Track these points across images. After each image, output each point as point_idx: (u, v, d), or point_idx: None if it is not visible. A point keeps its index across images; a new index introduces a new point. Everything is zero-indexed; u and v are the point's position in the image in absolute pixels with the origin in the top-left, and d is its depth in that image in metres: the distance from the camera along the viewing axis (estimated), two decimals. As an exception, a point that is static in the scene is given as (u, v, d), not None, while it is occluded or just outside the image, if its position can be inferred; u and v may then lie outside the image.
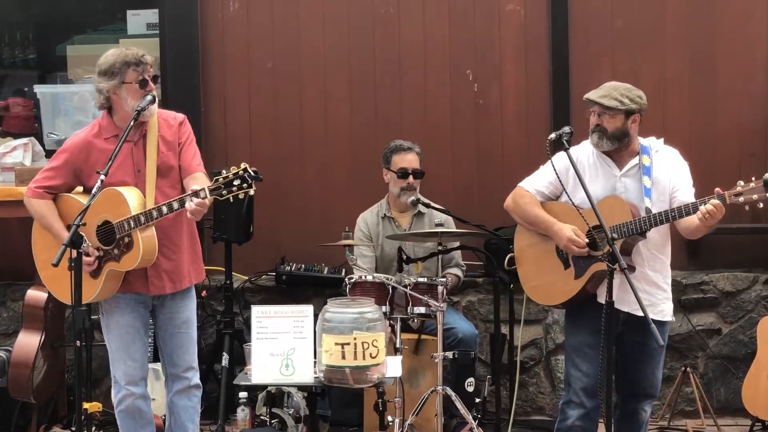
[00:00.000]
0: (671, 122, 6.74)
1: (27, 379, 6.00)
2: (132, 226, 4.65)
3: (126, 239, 4.70)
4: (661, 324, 4.72)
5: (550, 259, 4.89)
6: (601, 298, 4.72)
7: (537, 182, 4.98)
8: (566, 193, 4.70)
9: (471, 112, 6.86)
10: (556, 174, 4.68)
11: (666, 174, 4.80)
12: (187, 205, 4.52)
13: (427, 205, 6.11)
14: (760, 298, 6.62)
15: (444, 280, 5.41)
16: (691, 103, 6.79)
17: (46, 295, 6.04)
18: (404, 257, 5.73)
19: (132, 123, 4.70)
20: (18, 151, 6.80)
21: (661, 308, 4.83)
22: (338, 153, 6.92)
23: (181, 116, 5.00)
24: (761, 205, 4.41)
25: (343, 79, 6.91)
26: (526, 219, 4.98)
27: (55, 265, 4.31)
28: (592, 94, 4.81)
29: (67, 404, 6.33)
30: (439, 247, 5.50)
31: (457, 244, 5.98)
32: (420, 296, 5.38)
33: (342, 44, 6.90)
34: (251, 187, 4.45)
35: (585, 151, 4.88)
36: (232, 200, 4.50)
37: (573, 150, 4.79)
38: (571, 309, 4.95)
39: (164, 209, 4.62)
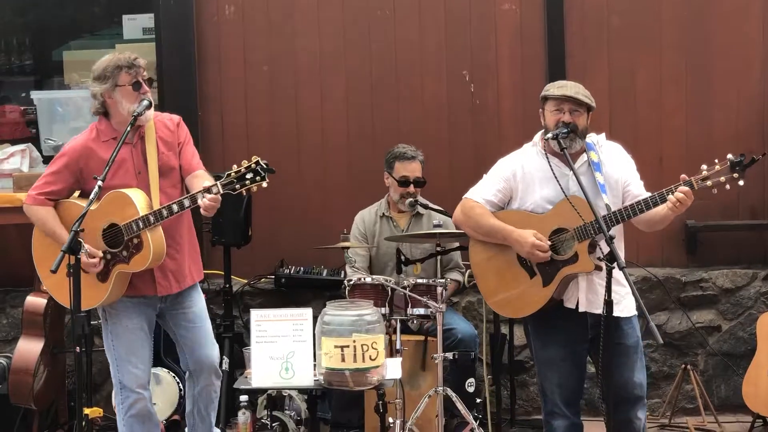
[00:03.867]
0: (668, 122, 6.75)
1: (28, 385, 5.98)
2: (141, 226, 4.66)
3: (135, 240, 4.71)
4: (628, 320, 4.64)
5: (513, 270, 4.74)
6: (569, 303, 4.67)
7: (485, 191, 4.86)
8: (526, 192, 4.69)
9: (468, 112, 6.86)
10: (504, 180, 4.73)
11: (617, 168, 4.72)
12: (200, 201, 4.55)
13: (426, 206, 6.11)
14: (760, 294, 6.62)
15: (443, 281, 5.40)
16: (687, 103, 6.78)
17: (45, 301, 6.04)
18: (403, 258, 5.72)
19: (129, 128, 4.72)
20: (15, 158, 6.80)
21: (625, 304, 4.66)
22: (335, 155, 6.91)
23: (177, 117, 5.03)
24: (728, 186, 4.34)
25: (339, 81, 6.91)
26: (480, 231, 4.82)
27: (54, 271, 4.29)
28: (568, 91, 4.66)
29: (67, 410, 6.31)
30: (438, 248, 5.50)
31: (456, 244, 5.94)
32: (419, 297, 5.38)
33: (338, 46, 6.90)
34: (264, 180, 4.51)
35: (529, 154, 4.74)
36: (245, 194, 4.59)
37: (516, 156, 4.81)
38: (536, 320, 4.78)
39: (174, 207, 4.65)
